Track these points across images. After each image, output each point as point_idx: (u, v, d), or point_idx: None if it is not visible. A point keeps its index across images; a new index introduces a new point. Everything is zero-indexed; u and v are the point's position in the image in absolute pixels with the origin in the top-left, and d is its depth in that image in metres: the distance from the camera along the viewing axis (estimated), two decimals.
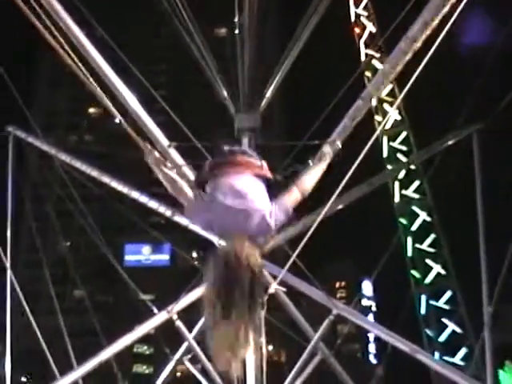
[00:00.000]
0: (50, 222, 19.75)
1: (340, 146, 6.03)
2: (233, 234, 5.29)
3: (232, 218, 5.33)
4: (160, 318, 12.66)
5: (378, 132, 7.75)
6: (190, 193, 5.76)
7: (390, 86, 32.60)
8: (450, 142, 14.23)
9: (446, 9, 6.83)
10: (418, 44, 6.81)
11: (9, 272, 14.18)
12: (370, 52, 41.43)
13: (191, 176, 6.41)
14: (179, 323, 12.57)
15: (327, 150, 6.16)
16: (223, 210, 5.36)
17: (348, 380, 13.49)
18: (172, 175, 5.95)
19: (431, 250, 40.65)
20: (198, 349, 12.63)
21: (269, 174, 5.80)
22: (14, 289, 14.31)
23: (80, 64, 6.62)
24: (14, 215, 14.75)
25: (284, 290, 10.76)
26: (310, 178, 5.98)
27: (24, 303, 14.52)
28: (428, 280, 40.69)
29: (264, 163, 5.93)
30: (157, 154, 6.10)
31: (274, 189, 5.76)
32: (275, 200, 5.61)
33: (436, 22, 6.77)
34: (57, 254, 24.07)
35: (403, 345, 12.29)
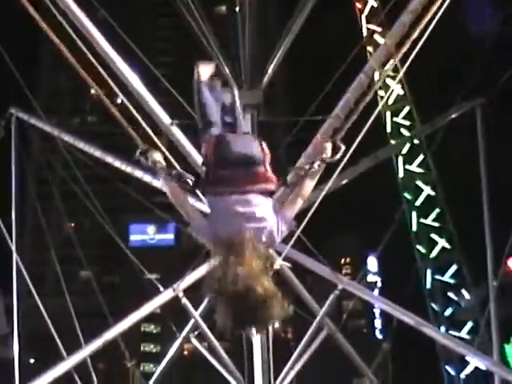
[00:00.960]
0: (54, 203, 19.81)
1: (343, 147, 5.73)
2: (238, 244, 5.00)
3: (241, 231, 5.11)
4: (166, 295, 12.70)
5: (380, 106, 7.73)
6: (191, 211, 5.48)
7: (392, 60, 32.33)
8: (453, 116, 14.21)
9: None
10: (425, 19, 6.74)
11: (14, 254, 14.21)
12: (372, 27, 41.24)
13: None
14: (185, 301, 12.59)
15: (328, 153, 5.78)
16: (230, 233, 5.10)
17: (354, 355, 13.56)
18: (174, 189, 5.62)
19: (436, 224, 40.65)
20: (204, 326, 12.69)
21: (272, 186, 5.49)
22: (20, 271, 14.36)
23: (81, 44, 6.60)
24: (18, 197, 14.76)
25: (289, 265, 10.78)
26: (311, 183, 5.71)
27: (30, 285, 14.57)
28: (433, 254, 40.72)
29: (264, 144, 5.66)
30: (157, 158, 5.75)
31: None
32: (279, 212, 5.40)
33: None
34: (62, 235, 24.16)
35: (409, 318, 12.33)
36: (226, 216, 5.18)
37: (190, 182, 5.46)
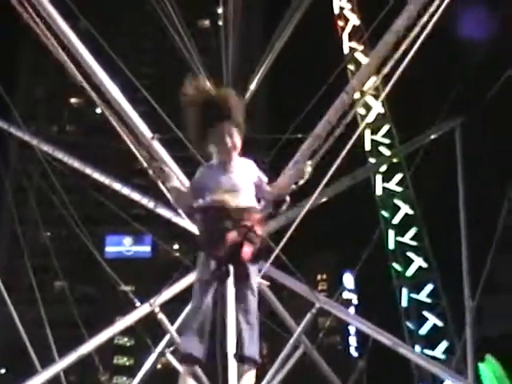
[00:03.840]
0: (31, 212, 19.66)
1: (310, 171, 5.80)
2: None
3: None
4: (142, 310, 12.61)
5: (361, 127, 7.74)
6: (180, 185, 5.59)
7: (373, 79, 32.49)
8: (433, 136, 14.28)
9: (433, 4, 6.81)
10: (407, 41, 6.78)
11: None
12: (354, 45, 41.42)
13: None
14: (161, 316, 12.52)
15: (308, 170, 5.82)
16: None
17: (330, 372, 13.54)
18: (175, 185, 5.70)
19: (413, 243, 40.71)
20: (179, 341, 12.60)
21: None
22: None
23: (63, 53, 6.55)
24: None
25: (268, 284, 10.76)
26: (286, 185, 5.78)
27: (4, 294, 14.42)
28: (409, 273, 40.78)
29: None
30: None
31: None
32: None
33: (424, 18, 6.74)
34: (38, 245, 23.98)
35: (384, 338, 12.34)
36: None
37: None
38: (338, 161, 6.58)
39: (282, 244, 6.62)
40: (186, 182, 8.37)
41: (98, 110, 6.95)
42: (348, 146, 6.61)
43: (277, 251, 6.76)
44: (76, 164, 13.91)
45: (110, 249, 70.29)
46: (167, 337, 12.89)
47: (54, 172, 15.09)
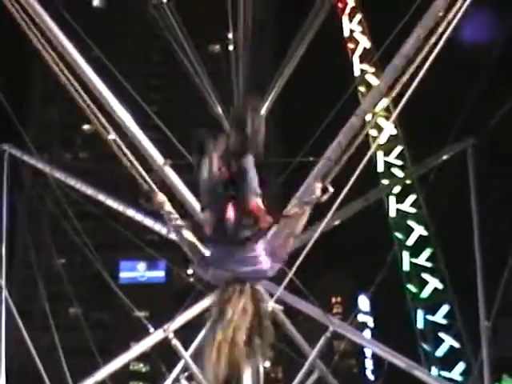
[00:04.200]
0: (44, 239, 19.71)
1: (332, 190, 5.86)
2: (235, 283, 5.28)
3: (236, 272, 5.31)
4: (156, 336, 12.61)
5: (373, 148, 7.78)
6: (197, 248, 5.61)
7: (384, 100, 32.57)
8: (445, 157, 14.26)
9: (441, 26, 6.82)
10: (414, 65, 6.79)
11: (4, 290, 14.12)
12: (364, 67, 41.46)
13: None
14: (176, 342, 12.50)
15: (318, 194, 5.91)
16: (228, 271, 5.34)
17: None
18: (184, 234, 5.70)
19: (428, 264, 40.47)
20: (194, 367, 12.57)
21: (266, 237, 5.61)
22: (8, 306, 14.25)
23: (74, 81, 6.59)
24: (8, 232, 14.71)
25: (281, 308, 10.73)
26: (301, 222, 5.81)
27: (19, 321, 14.43)
28: (425, 294, 40.51)
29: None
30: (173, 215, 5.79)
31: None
32: (271, 251, 5.48)
33: (432, 39, 6.75)
34: (52, 271, 24.01)
35: (400, 361, 12.26)
36: (222, 260, 5.33)
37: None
38: (351, 182, 6.58)
39: (295, 267, 6.58)
40: (198, 207, 8.35)
41: (110, 137, 6.93)
42: (360, 167, 6.60)
43: (290, 275, 6.73)
44: (89, 191, 13.98)
45: (124, 274, 70.25)
46: (181, 362, 12.87)
47: (67, 199, 15.16)
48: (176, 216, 5.60)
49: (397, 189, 39.62)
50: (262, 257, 5.39)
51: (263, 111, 12.90)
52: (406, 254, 41.00)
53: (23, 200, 16.66)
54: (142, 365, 67.55)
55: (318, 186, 5.78)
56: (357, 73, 41.60)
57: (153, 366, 61.03)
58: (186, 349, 12.78)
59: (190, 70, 13.02)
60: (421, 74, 6.91)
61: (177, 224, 5.60)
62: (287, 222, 5.65)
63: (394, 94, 7.01)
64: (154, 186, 6.01)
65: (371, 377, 68.39)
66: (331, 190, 5.79)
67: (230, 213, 5.48)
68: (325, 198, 5.78)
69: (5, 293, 14.15)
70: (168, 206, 5.71)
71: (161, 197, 5.73)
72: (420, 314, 40.62)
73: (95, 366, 12.79)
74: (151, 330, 12.80)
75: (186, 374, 13.01)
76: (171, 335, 12.36)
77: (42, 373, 14.24)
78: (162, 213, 5.67)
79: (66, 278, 18.01)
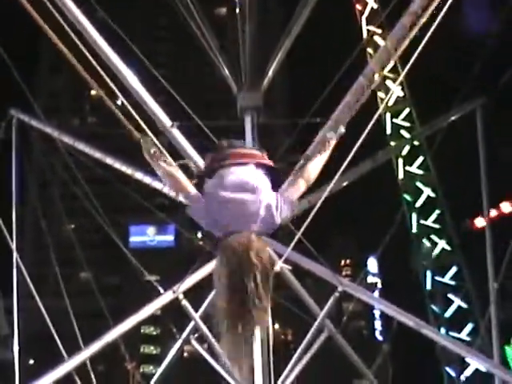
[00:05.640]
0: (54, 204, 19.80)
1: (344, 131, 5.86)
2: (238, 231, 5.07)
3: (237, 212, 5.13)
4: (166, 297, 12.66)
5: (380, 109, 7.73)
6: (191, 189, 5.48)
7: (392, 62, 32.40)
8: (454, 118, 14.19)
9: None
10: (423, 20, 6.74)
11: (15, 254, 14.20)
12: (372, 28, 41.17)
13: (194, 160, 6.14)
14: (185, 303, 12.57)
15: (331, 135, 5.91)
16: (227, 205, 5.15)
17: (354, 356, 13.54)
18: (172, 170, 5.61)
19: (436, 225, 40.62)
20: (204, 328, 12.66)
21: (271, 163, 5.56)
22: (20, 271, 14.34)
23: (81, 45, 6.59)
24: (18, 198, 14.76)
25: (289, 268, 10.74)
26: (315, 166, 5.71)
27: (31, 285, 14.55)
28: (433, 256, 40.71)
29: (265, 154, 5.72)
30: (152, 147, 5.71)
31: (278, 179, 5.56)
32: (280, 192, 5.43)
33: None
34: (62, 237, 24.16)
35: (408, 319, 12.30)
36: (226, 186, 5.26)
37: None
38: (359, 143, 6.57)
39: (303, 229, 6.59)
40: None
41: (119, 102, 6.93)
42: (368, 128, 6.60)
43: (298, 236, 6.74)
44: (98, 155, 13.98)
45: (134, 239, 70.66)
46: (191, 324, 12.95)
47: (76, 164, 15.18)
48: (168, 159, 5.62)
49: (405, 151, 39.59)
50: (266, 187, 5.35)
51: (270, 72, 12.87)
52: (414, 216, 41.10)
53: (32, 165, 16.68)
54: (152, 328, 68.23)
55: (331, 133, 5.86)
56: (365, 34, 41.37)
57: (163, 329, 61.64)
58: (196, 311, 12.85)
59: (197, 32, 12.95)
60: (429, 34, 6.86)
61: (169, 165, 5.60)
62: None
63: (399, 51, 6.97)
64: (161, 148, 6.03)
65: (380, 338, 68.86)
66: (343, 130, 5.89)
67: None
68: (337, 137, 5.96)
69: (16, 257, 14.24)
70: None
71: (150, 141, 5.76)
72: (429, 275, 40.83)
73: (107, 330, 12.89)
74: (162, 292, 12.88)
75: (196, 335, 13.11)
76: (181, 296, 12.42)
77: (55, 336, 14.40)
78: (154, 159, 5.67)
79: (77, 244, 18.09)
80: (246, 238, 4.98)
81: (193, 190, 5.43)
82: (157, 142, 6.01)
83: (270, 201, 5.26)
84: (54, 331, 14.37)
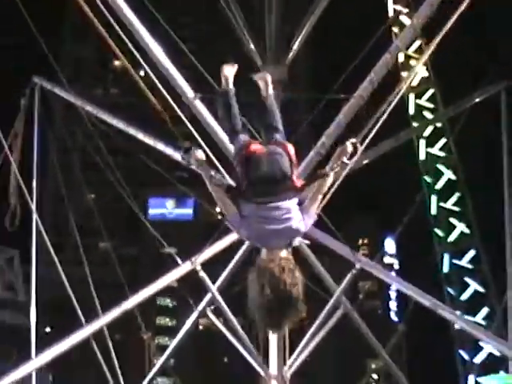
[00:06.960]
0: (75, 173, 19.88)
1: (361, 147, 5.89)
2: (271, 247, 5.43)
3: (270, 240, 5.44)
4: (184, 268, 12.72)
5: (403, 88, 7.70)
6: (233, 210, 5.60)
7: (417, 42, 32.28)
8: (477, 100, 14.10)
9: None
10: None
11: (34, 216, 14.24)
12: (398, 7, 40.85)
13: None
14: (203, 274, 12.63)
15: (348, 153, 5.93)
16: (261, 233, 5.45)
17: (369, 335, 13.60)
18: (221, 194, 5.74)
19: (455, 208, 40.44)
20: (221, 300, 12.74)
21: (297, 195, 5.67)
22: (40, 239, 14.44)
23: (107, 13, 6.61)
24: (40, 166, 14.83)
25: (307, 242, 10.79)
26: (330, 181, 5.91)
27: (52, 252, 14.62)
28: (451, 238, 40.56)
29: (288, 145, 5.77)
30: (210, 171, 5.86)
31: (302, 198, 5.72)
32: (303, 209, 5.55)
33: None
34: (82, 206, 24.28)
35: (425, 299, 12.31)
36: (253, 221, 5.45)
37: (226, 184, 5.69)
38: (381, 120, 6.58)
39: (322, 204, 6.61)
40: (227, 143, 8.39)
41: (142, 73, 6.95)
42: (391, 106, 6.60)
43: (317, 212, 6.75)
44: (120, 125, 14.01)
45: (153, 211, 70.90)
46: (208, 296, 13.03)
47: (98, 134, 15.21)
48: (214, 174, 5.69)
49: (428, 132, 39.37)
50: (294, 214, 5.47)
51: (295, 47, 12.83)
52: (434, 198, 40.93)
53: (54, 134, 16.73)
54: (168, 300, 68.58)
55: (349, 146, 5.76)
56: (391, 13, 40.99)
57: (180, 301, 61.92)
58: (213, 283, 12.91)
59: (223, 5, 12.93)
60: (456, 14, 6.83)
61: (216, 182, 5.68)
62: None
63: (427, 32, 6.93)
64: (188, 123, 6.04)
65: (395, 318, 68.92)
66: (361, 148, 5.90)
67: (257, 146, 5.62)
68: (354, 159, 5.81)
69: (35, 218, 14.28)
70: (206, 165, 5.78)
71: (200, 154, 5.76)
72: (446, 257, 40.73)
73: (124, 299, 12.99)
74: (179, 263, 12.93)
75: (213, 307, 13.19)
76: (199, 267, 12.48)
77: (74, 303, 14.51)
78: (199, 171, 5.73)
79: (97, 213, 18.16)
80: (279, 258, 5.31)
81: (234, 211, 5.59)
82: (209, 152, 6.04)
83: (299, 225, 5.48)
84: (73, 298, 14.47)
